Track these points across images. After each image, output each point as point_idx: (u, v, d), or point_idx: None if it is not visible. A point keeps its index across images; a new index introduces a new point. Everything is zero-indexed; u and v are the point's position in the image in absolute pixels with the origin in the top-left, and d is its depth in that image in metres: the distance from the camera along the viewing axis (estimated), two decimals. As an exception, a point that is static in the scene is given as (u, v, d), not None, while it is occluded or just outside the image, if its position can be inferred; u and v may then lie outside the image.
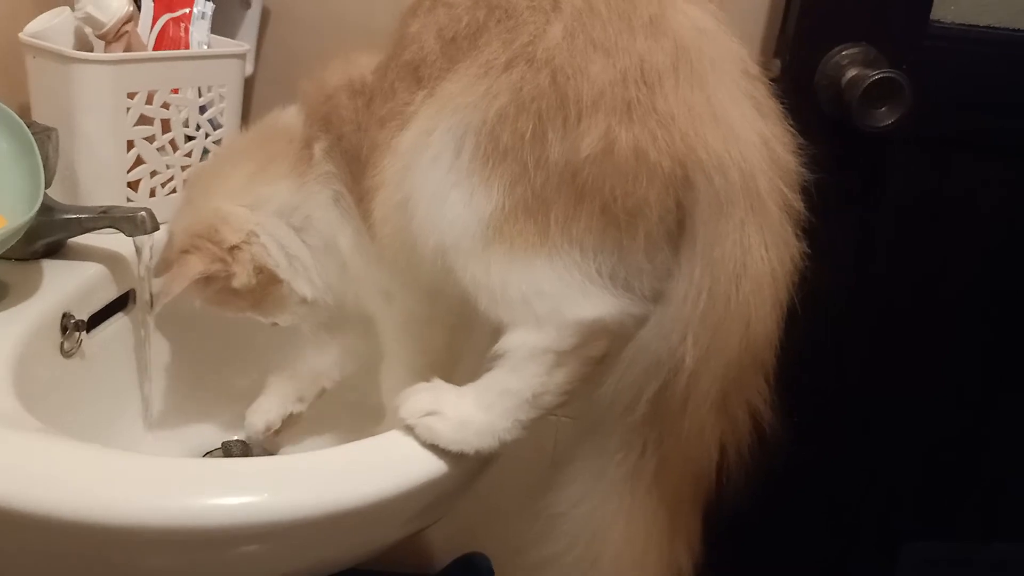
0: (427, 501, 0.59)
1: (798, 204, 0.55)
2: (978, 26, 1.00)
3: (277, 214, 0.71)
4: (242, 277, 0.70)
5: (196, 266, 0.69)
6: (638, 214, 0.52)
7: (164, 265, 0.75)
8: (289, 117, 0.73)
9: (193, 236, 0.70)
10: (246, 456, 0.82)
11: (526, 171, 0.53)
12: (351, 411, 0.85)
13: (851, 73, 0.97)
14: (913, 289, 1.04)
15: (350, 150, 0.67)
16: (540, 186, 0.53)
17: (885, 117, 0.96)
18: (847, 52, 0.98)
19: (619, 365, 0.56)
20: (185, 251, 0.70)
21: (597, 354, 0.56)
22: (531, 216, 0.53)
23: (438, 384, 0.61)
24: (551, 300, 0.55)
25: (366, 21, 1.06)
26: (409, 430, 0.59)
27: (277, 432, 0.81)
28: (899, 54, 0.97)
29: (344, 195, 0.69)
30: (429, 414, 0.58)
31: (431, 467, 0.58)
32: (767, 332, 0.55)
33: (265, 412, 0.80)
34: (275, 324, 0.77)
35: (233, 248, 0.70)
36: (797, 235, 0.55)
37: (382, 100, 0.63)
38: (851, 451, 1.10)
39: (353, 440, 0.81)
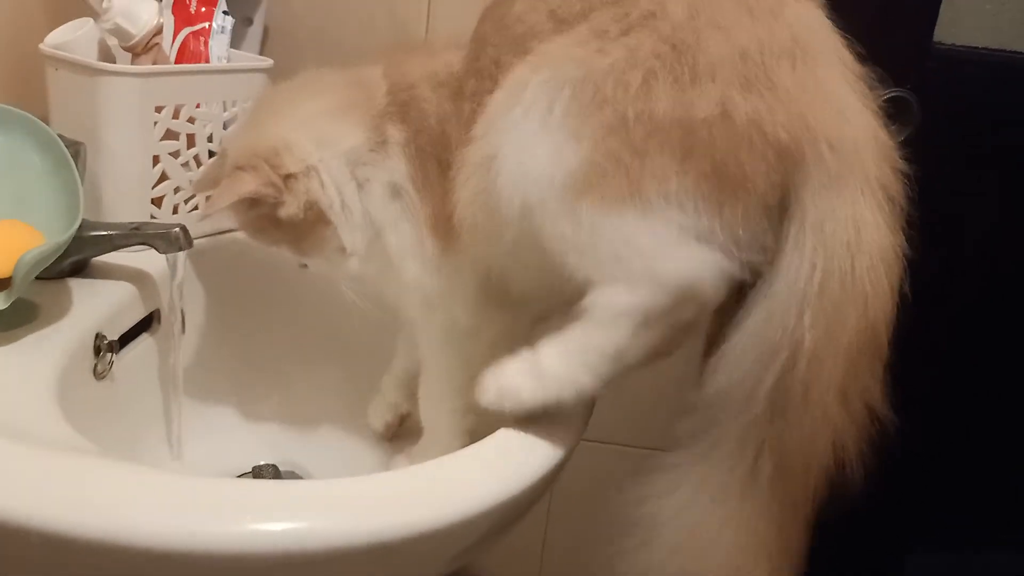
0: (478, 533, 0.56)
1: (901, 196, 0.55)
2: (978, 48, 1.03)
3: (344, 158, 0.67)
4: (291, 208, 0.66)
5: (248, 184, 0.65)
6: (745, 183, 0.52)
7: (207, 182, 0.72)
8: (376, 76, 0.69)
9: (251, 155, 0.66)
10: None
11: (624, 123, 0.52)
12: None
13: (860, 92, 0.99)
14: (921, 303, 1.06)
15: (427, 147, 0.65)
16: (640, 139, 0.52)
17: (895, 135, 0.98)
18: (854, 72, 1.00)
19: (728, 357, 0.54)
20: (240, 168, 0.66)
21: (687, 318, 0.55)
22: (623, 168, 0.52)
23: (503, 361, 0.59)
24: (645, 257, 0.53)
25: (363, 40, 1.06)
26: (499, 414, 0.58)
27: (394, 428, 0.82)
28: (904, 75, 0.99)
29: (408, 192, 0.66)
30: (500, 385, 0.58)
31: (482, 496, 0.54)
32: (885, 313, 0.53)
33: (383, 414, 0.81)
34: (304, 266, 0.73)
35: (289, 176, 0.66)
36: (900, 227, 0.54)
37: (481, 79, 0.61)
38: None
39: (386, 458, 0.80)
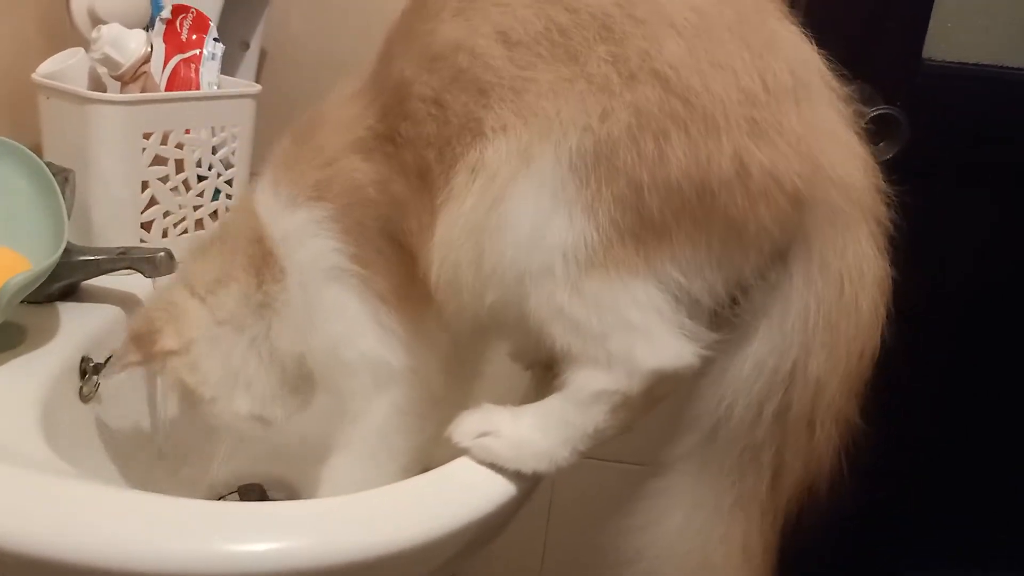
0: (466, 540, 0.58)
1: (889, 228, 0.55)
2: (968, 64, 1.03)
3: (231, 322, 0.65)
4: (167, 384, 0.67)
5: (132, 357, 0.66)
6: (759, 236, 0.52)
7: None
8: (259, 209, 0.64)
9: (147, 320, 0.66)
10: (263, 501, 0.80)
11: (640, 193, 0.50)
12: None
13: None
14: (914, 319, 1.06)
15: (369, 219, 0.59)
16: (657, 209, 0.51)
17: (883, 152, 0.98)
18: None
19: (727, 382, 0.55)
20: (132, 337, 0.66)
21: (662, 395, 0.56)
22: (639, 240, 0.52)
23: (488, 407, 0.59)
24: (630, 337, 0.53)
25: (360, 62, 1.08)
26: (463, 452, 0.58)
27: None
28: (893, 91, 1.00)
29: (350, 270, 0.60)
30: (483, 435, 0.57)
31: (455, 515, 0.55)
32: (875, 340, 0.55)
33: None
34: None
35: (169, 353, 0.65)
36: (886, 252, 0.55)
37: (418, 123, 0.56)
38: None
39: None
